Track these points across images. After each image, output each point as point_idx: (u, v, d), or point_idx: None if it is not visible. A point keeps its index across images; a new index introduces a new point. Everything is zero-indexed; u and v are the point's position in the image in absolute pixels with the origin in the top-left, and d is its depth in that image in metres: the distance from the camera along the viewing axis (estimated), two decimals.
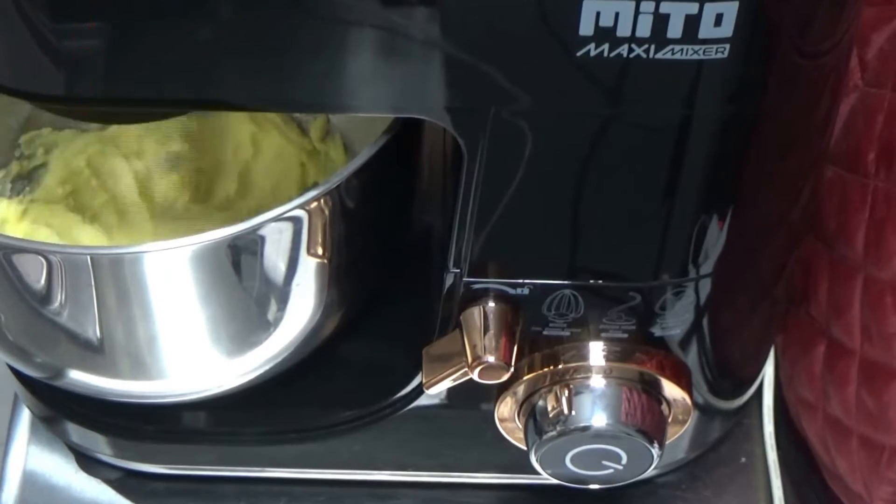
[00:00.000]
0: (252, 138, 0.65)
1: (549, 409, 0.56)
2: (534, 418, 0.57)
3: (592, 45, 0.43)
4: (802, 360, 0.65)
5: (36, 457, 0.69)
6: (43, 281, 0.51)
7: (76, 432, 0.64)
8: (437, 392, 0.57)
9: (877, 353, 0.59)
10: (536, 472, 0.58)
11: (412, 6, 0.42)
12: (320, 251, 0.53)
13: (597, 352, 0.55)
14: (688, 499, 0.68)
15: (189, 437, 0.64)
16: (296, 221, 0.51)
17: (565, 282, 0.53)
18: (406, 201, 0.61)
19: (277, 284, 0.53)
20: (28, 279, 0.51)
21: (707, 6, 0.41)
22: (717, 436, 0.65)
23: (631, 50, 0.43)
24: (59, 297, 0.52)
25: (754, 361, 0.63)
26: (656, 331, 0.55)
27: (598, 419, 0.55)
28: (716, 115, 0.46)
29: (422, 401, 0.60)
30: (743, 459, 0.69)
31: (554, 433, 0.56)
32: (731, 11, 0.42)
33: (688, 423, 0.59)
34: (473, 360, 0.54)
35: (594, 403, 0.55)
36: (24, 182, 0.65)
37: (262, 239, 0.51)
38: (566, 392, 0.56)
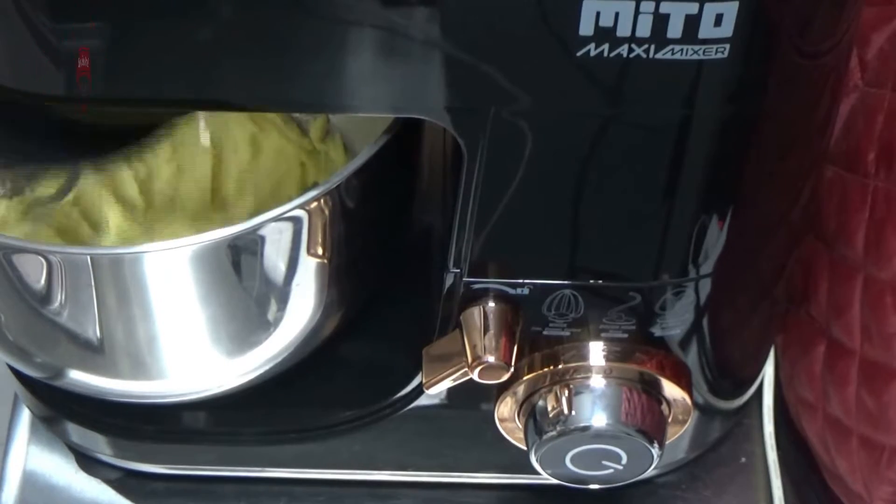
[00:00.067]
0: (252, 138, 0.65)
1: (549, 409, 0.56)
2: (534, 418, 0.57)
3: (592, 45, 0.43)
4: (802, 360, 0.65)
5: (36, 457, 0.69)
6: (43, 281, 0.51)
7: (76, 432, 0.64)
8: (437, 392, 0.57)
9: (877, 353, 0.59)
10: (536, 472, 0.58)
11: (412, 6, 0.42)
12: (320, 251, 0.53)
13: (597, 352, 0.55)
14: (688, 499, 0.68)
15: (189, 437, 0.64)
16: (296, 221, 0.51)
17: (565, 282, 0.53)
18: (406, 201, 0.61)
19: (277, 284, 0.53)
20: (28, 279, 0.51)
21: (707, 6, 0.41)
22: (717, 436, 0.65)
23: (631, 50, 0.43)
24: (59, 297, 0.52)
25: (754, 361, 0.63)
26: (656, 331, 0.55)
27: (598, 419, 0.55)
28: (716, 115, 0.46)
29: (422, 401, 0.60)
30: (743, 459, 0.69)
31: (554, 433, 0.56)
32: (731, 11, 0.42)
33: (688, 423, 0.59)
34: (473, 360, 0.54)
35: (594, 403, 0.55)
36: (24, 182, 0.65)
37: (262, 239, 0.51)
38: (566, 392, 0.56)
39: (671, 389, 0.56)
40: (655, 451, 0.56)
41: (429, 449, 0.64)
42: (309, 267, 0.54)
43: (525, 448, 0.58)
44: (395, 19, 0.42)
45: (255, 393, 0.59)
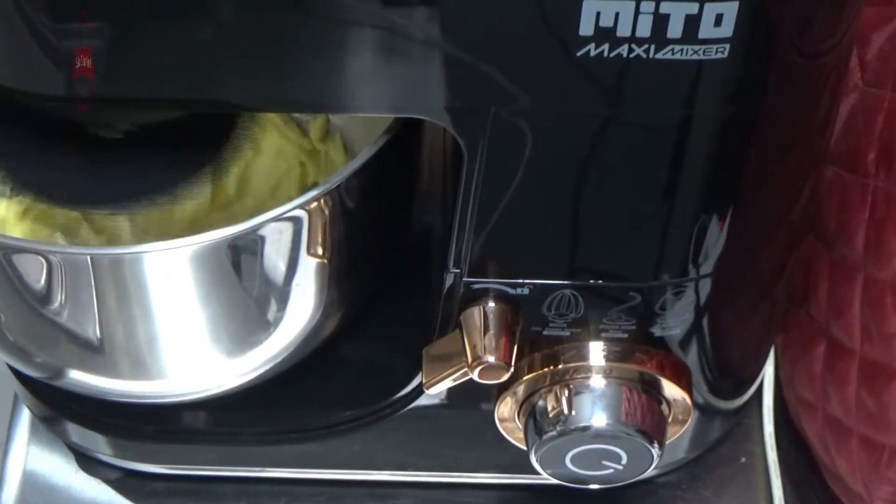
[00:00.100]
0: (252, 138, 0.65)
1: (549, 409, 0.56)
2: (534, 418, 0.57)
3: (592, 45, 0.43)
4: (802, 360, 0.65)
5: (36, 457, 0.69)
6: (43, 281, 0.51)
7: (76, 432, 0.64)
8: (437, 392, 0.57)
9: (877, 353, 0.59)
10: (536, 472, 0.58)
11: (412, 6, 0.42)
12: (320, 251, 0.53)
13: (597, 352, 0.55)
14: (688, 499, 0.68)
15: (189, 437, 0.64)
16: (296, 221, 0.51)
17: (565, 282, 0.53)
18: (406, 201, 0.61)
19: (277, 284, 0.53)
20: (28, 279, 0.51)
21: (707, 6, 0.41)
22: (717, 436, 0.65)
23: (631, 50, 0.43)
24: (59, 297, 0.52)
25: (754, 361, 0.63)
26: (656, 331, 0.55)
27: (598, 419, 0.55)
28: (716, 115, 0.46)
29: (422, 401, 0.60)
30: (743, 459, 0.69)
31: (554, 433, 0.56)
32: (731, 11, 0.42)
33: (688, 423, 0.59)
34: (473, 360, 0.54)
35: (594, 403, 0.55)
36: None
37: (262, 239, 0.51)
38: (566, 392, 0.56)
39: (671, 389, 0.56)
40: (655, 451, 0.56)
41: (429, 449, 0.64)
42: (309, 267, 0.54)
43: (525, 448, 0.58)
44: (395, 19, 0.42)
45: (255, 393, 0.59)
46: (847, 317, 0.60)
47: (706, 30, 0.42)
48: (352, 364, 0.63)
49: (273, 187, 0.63)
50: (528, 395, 0.57)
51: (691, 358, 0.57)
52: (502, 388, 0.57)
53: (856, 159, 0.59)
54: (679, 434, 0.59)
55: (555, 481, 0.59)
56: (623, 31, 0.42)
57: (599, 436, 0.56)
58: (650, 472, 0.59)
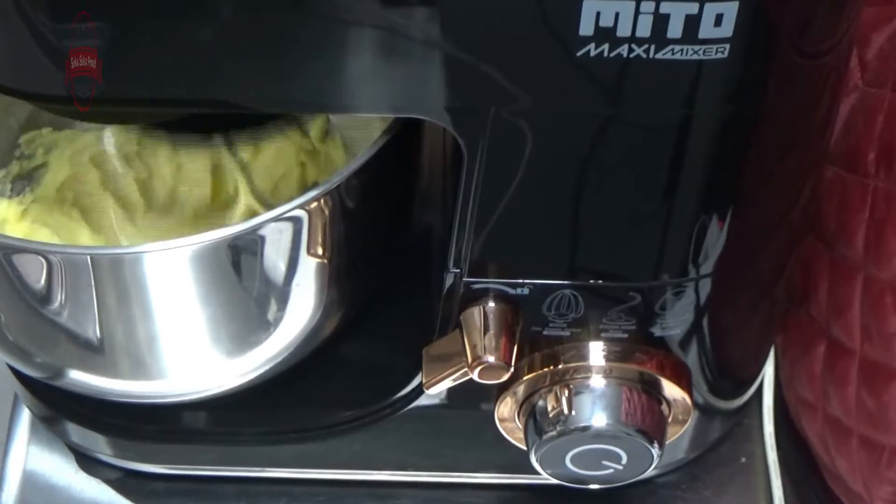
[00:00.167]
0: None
1: (549, 409, 0.56)
2: (534, 418, 0.57)
3: (592, 45, 0.43)
4: (802, 360, 0.65)
5: (36, 457, 0.69)
6: (43, 281, 0.51)
7: (76, 432, 0.64)
8: (437, 392, 0.57)
9: (877, 353, 0.59)
10: (536, 472, 0.58)
11: (412, 6, 0.42)
12: (320, 251, 0.53)
13: (597, 352, 0.55)
14: (688, 499, 0.68)
15: (189, 437, 0.64)
16: (296, 221, 0.51)
17: (565, 282, 0.53)
18: (406, 201, 0.61)
19: (277, 284, 0.53)
20: (28, 279, 0.51)
21: (707, 6, 0.41)
22: (717, 436, 0.65)
23: (631, 50, 0.43)
24: (59, 297, 0.52)
25: (754, 361, 0.63)
26: (656, 331, 0.55)
27: (598, 419, 0.55)
28: (716, 115, 0.46)
29: (422, 401, 0.60)
30: (743, 459, 0.69)
31: (554, 433, 0.56)
32: (731, 11, 0.42)
33: (688, 423, 0.59)
34: (473, 360, 0.54)
35: (594, 403, 0.55)
36: (24, 182, 0.65)
37: (262, 239, 0.51)
38: (566, 392, 0.56)
39: (671, 389, 0.56)
40: (655, 451, 0.56)
41: (429, 449, 0.64)
42: (309, 267, 0.54)
43: (525, 448, 0.58)
44: (395, 19, 0.42)
45: (255, 393, 0.59)
46: (847, 317, 0.60)
47: (706, 30, 0.42)
48: (352, 364, 0.63)
49: (273, 187, 0.64)
50: (528, 395, 0.57)
51: (691, 358, 0.57)
52: (502, 388, 0.57)
53: (856, 159, 0.59)
54: (679, 434, 0.59)
55: (555, 481, 0.59)
56: (623, 31, 0.42)
57: (599, 436, 0.56)
58: (650, 472, 0.59)
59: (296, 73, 0.44)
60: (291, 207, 0.50)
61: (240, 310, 0.54)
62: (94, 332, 0.53)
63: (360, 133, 0.64)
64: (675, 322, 0.55)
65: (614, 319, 0.54)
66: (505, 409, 0.58)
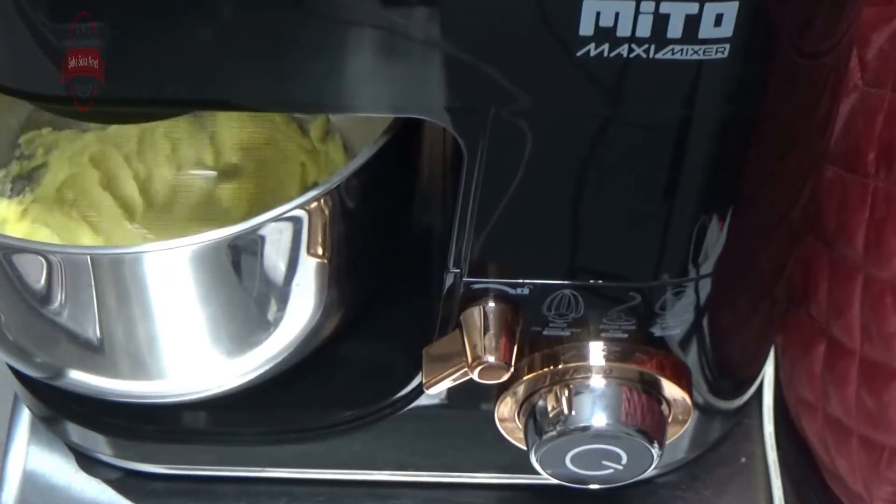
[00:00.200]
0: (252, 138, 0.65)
1: (549, 409, 0.56)
2: (534, 418, 0.57)
3: (592, 45, 0.43)
4: (802, 360, 0.65)
5: (36, 457, 0.69)
6: (43, 281, 0.51)
7: (76, 432, 0.64)
8: (437, 392, 0.57)
9: (877, 353, 0.59)
10: (536, 472, 0.58)
11: (412, 6, 0.42)
12: (320, 251, 0.53)
13: (597, 352, 0.55)
14: (688, 499, 0.68)
15: (189, 437, 0.64)
16: (296, 221, 0.51)
17: (565, 282, 0.53)
18: (406, 201, 0.61)
19: (277, 284, 0.53)
20: (28, 279, 0.51)
21: (707, 6, 0.41)
22: (717, 436, 0.65)
23: (631, 50, 0.43)
24: (59, 297, 0.52)
25: (754, 361, 0.63)
26: (656, 331, 0.55)
27: (598, 419, 0.55)
28: (716, 115, 0.46)
29: (422, 401, 0.60)
30: (743, 459, 0.69)
31: (554, 433, 0.56)
32: (731, 11, 0.42)
33: (688, 423, 0.59)
34: (473, 360, 0.54)
35: (594, 403, 0.55)
36: (24, 182, 0.65)
37: (262, 239, 0.51)
38: (566, 392, 0.56)
39: (671, 389, 0.56)
40: (655, 451, 0.56)
41: (429, 449, 0.64)
42: (309, 267, 0.54)
43: (525, 448, 0.58)
44: (395, 19, 0.42)
45: (255, 393, 0.59)
46: (847, 317, 0.60)
47: (706, 30, 0.42)
48: (352, 364, 0.63)
49: (273, 187, 0.64)
50: (528, 395, 0.57)
51: (691, 358, 0.57)
52: (502, 388, 0.57)
53: (856, 159, 0.59)
54: (679, 434, 0.59)
55: (555, 481, 0.59)
56: (623, 31, 0.42)
57: (599, 436, 0.56)
58: (650, 472, 0.59)
59: (296, 73, 0.44)
60: (291, 207, 0.50)
61: (240, 310, 0.54)
62: (94, 332, 0.53)
63: (360, 133, 0.64)
64: (675, 322, 0.55)
65: (614, 319, 0.54)
66: (505, 409, 0.58)
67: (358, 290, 0.59)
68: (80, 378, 0.57)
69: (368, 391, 0.62)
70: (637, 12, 0.41)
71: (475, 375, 0.54)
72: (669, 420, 0.58)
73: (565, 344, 0.56)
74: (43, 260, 0.50)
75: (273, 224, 0.50)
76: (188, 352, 0.56)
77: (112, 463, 0.67)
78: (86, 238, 0.61)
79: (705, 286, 0.53)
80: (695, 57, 0.43)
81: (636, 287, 0.53)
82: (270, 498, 0.67)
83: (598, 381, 0.56)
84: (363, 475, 0.66)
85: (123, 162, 0.64)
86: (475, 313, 0.54)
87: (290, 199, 0.50)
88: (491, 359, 0.53)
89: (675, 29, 0.42)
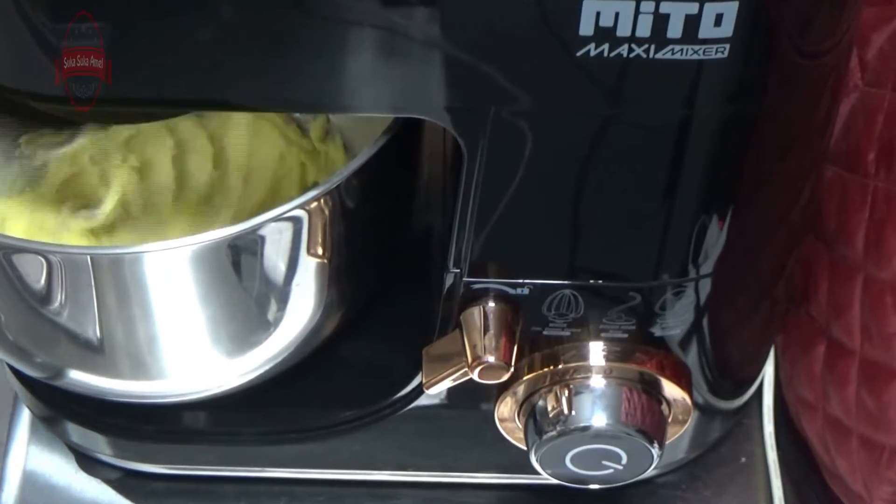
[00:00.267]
0: (252, 138, 0.65)
1: (549, 409, 0.56)
2: (534, 418, 0.57)
3: (592, 45, 0.43)
4: (802, 360, 0.65)
5: (36, 457, 0.69)
6: (43, 281, 0.51)
7: (76, 432, 0.64)
8: (437, 392, 0.57)
9: (877, 353, 0.59)
10: (536, 472, 0.58)
11: (412, 6, 0.42)
12: (320, 251, 0.53)
13: (597, 352, 0.55)
14: (688, 499, 0.68)
15: (189, 437, 0.64)
16: (296, 221, 0.51)
17: (565, 282, 0.53)
18: (406, 201, 0.61)
19: (277, 284, 0.53)
20: (28, 279, 0.51)
21: (707, 6, 0.41)
22: (717, 436, 0.65)
23: (631, 50, 0.43)
24: (59, 297, 0.52)
25: (754, 361, 0.63)
26: (656, 331, 0.55)
27: (598, 419, 0.55)
28: (716, 115, 0.46)
29: (422, 401, 0.60)
30: (743, 459, 0.69)
31: (554, 433, 0.56)
32: (731, 11, 0.42)
33: (688, 423, 0.59)
34: (473, 360, 0.54)
35: (594, 403, 0.55)
36: (24, 182, 0.65)
37: (262, 239, 0.51)
38: (566, 392, 0.56)
39: (671, 389, 0.56)
40: (655, 451, 0.56)
41: (429, 449, 0.64)
42: (309, 267, 0.54)
43: (525, 448, 0.58)
44: (395, 19, 0.42)
45: (255, 393, 0.59)
46: (847, 317, 0.60)
47: (706, 30, 0.42)
48: (352, 364, 0.63)
49: (273, 187, 0.64)
50: (528, 395, 0.57)
51: (691, 358, 0.57)
52: (502, 388, 0.57)
53: (856, 159, 0.59)
54: (679, 434, 0.59)
55: (555, 481, 0.59)
56: (623, 31, 0.42)
57: (599, 436, 0.56)
58: (650, 472, 0.59)
59: (296, 73, 0.44)
60: (291, 207, 0.50)
61: (240, 310, 0.54)
62: (94, 332, 0.53)
63: (360, 133, 0.64)
64: (675, 322, 0.55)
65: (614, 319, 0.54)
66: (505, 409, 0.58)
67: (358, 290, 0.59)
68: (80, 378, 0.57)
69: (368, 391, 0.62)
70: (637, 12, 0.41)
71: (475, 375, 0.54)
72: (669, 420, 0.58)
73: (565, 344, 0.56)
74: (43, 260, 0.50)
75: (273, 224, 0.50)
76: (188, 352, 0.56)
77: (112, 463, 0.67)
78: (86, 238, 0.61)
79: (705, 286, 0.53)
80: (695, 57, 0.43)
81: (636, 287, 0.53)
82: (270, 498, 0.67)
83: (598, 381, 0.56)
84: (363, 475, 0.66)
85: (123, 162, 0.64)
86: (475, 313, 0.54)
87: (290, 199, 0.50)
88: (491, 359, 0.53)
89: (675, 29, 0.42)
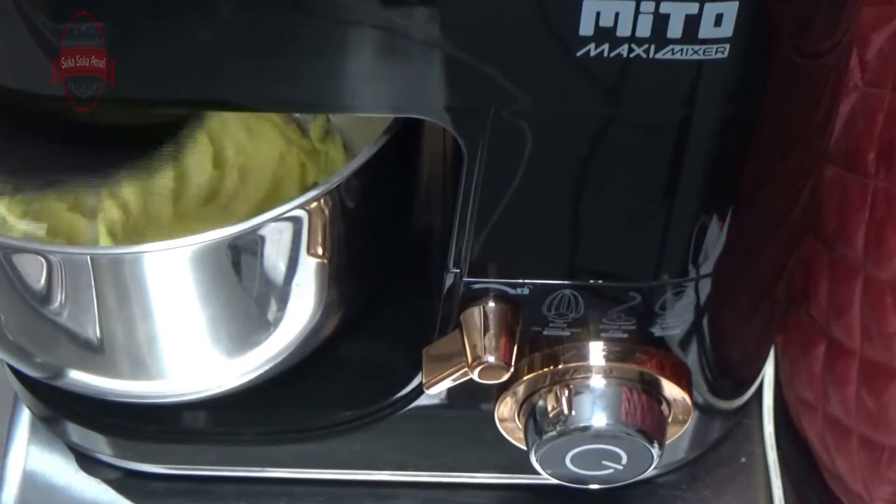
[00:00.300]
0: (251, 138, 0.65)
1: (549, 409, 0.56)
2: (534, 418, 0.57)
3: (592, 45, 0.43)
4: (802, 360, 0.65)
5: (36, 457, 0.69)
6: (43, 281, 0.51)
7: (76, 432, 0.64)
8: (437, 392, 0.57)
9: (877, 353, 0.59)
10: (536, 472, 0.58)
11: (412, 6, 0.42)
12: (320, 251, 0.53)
13: (597, 352, 0.55)
14: (688, 499, 0.68)
15: (189, 437, 0.64)
16: (296, 221, 0.51)
17: (565, 282, 0.53)
18: (406, 201, 0.61)
19: (277, 284, 0.53)
20: (28, 279, 0.51)
21: (707, 6, 0.41)
22: (717, 436, 0.65)
23: (631, 50, 0.43)
24: (59, 297, 0.52)
25: (754, 361, 0.63)
26: (656, 331, 0.55)
27: (598, 419, 0.55)
28: (716, 115, 0.46)
29: (422, 401, 0.60)
30: (743, 459, 0.69)
31: (554, 433, 0.56)
32: (731, 11, 0.42)
33: (688, 423, 0.59)
34: (473, 360, 0.54)
35: (594, 403, 0.55)
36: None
37: (262, 239, 0.51)
38: (566, 392, 0.56)
39: (671, 389, 0.56)
40: (655, 451, 0.56)
41: (429, 449, 0.64)
42: (309, 267, 0.54)
43: (525, 448, 0.58)
44: (395, 19, 0.42)
45: (255, 393, 0.59)
46: (847, 317, 0.60)
47: (706, 30, 0.42)
48: (352, 364, 0.63)
49: (273, 187, 0.64)
50: (528, 395, 0.57)
51: (691, 358, 0.57)
52: (502, 388, 0.57)
53: (856, 159, 0.59)
54: (679, 434, 0.59)
55: (555, 481, 0.59)
56: (623, 31, 0.42)
57: (599, 436, 0.56)
58: (650, 472, 0.59)
59: (296, 73, 0.44)
60: (291, 207, 0.50)
61: (240, 310, 0.54)
62: (94, 332, 0.53)
63: (360, 133, 0.64)
64: (675, 322, 0.55)
65: (614, 319, 0.54)
66: (505, 409, 0.58)
67: (358, 290, 0.59)
68: (80, 378, 0.57)
69: (368, 391, 0.62)
70: (637, 12, 0.41)
71: (475, 375, 0.54)
72: (669, 420, 0.58)
73: (565, 344, 0.56)
74: (43, 260, 0.50)
75: (273, 224, 0.50)
76: (188, 352, 0.56)
77: (112, 463, 0.67)
78: (86, 238, 0.61)
79: (705, 286, 0.53)
80: (695, 57, 0.43)
81: (636, 287, 0.53)
82: (270, 498, 0.67)
83: (598, 381, 0.56)
84: (363, 475, 0.66)
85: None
86: (475, 313, 0.54)
87: (290, 199, 0.50)
88: (491, 359, 0.53)
89: (675, 29, 0.42)
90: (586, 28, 0.42)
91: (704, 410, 0.61)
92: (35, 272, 0.51)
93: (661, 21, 0.42)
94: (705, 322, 0.55)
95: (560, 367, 0.56)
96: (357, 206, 0.53)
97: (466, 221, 0.50)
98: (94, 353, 0.55)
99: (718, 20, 0.42)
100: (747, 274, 0.55)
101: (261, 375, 0.58)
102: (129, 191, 0.63)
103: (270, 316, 0.55)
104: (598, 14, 0.42)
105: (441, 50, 0.43)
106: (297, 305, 0.55)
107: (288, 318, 0.55)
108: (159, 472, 0.67)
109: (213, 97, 0.46)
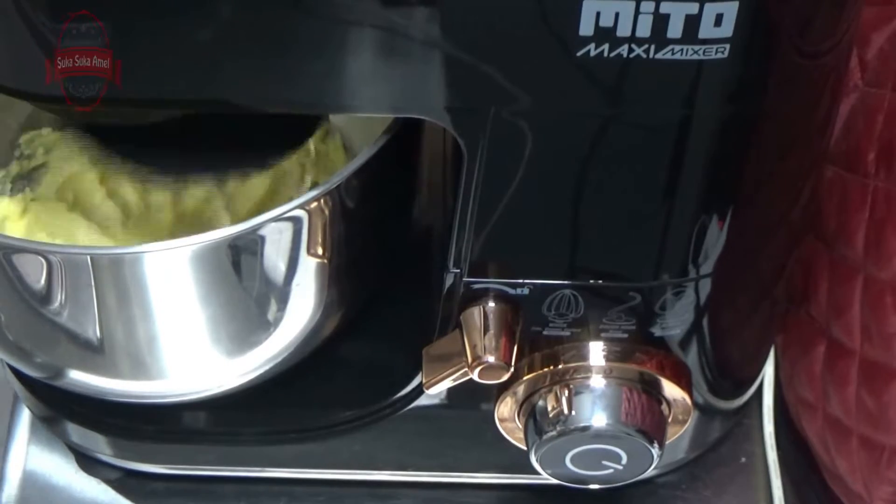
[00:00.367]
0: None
1: (549, 409, 0.56)
2: (534, 418, 0.57)
3: (592, 46, 0.43)
4: (802, 360, 0.65)
5: (36, 457, 0.69)
6: (43, 281, 0.51)
7: (76, 432, 0.64)
8: (437, 392, 0.57)
9: (877, 353, 0.59)
10: (536, 472, 0.58)
11: (412, 6, 0.42)
12: (320, 251, 0.53)
13: (597, 352, 0.55)
14: (688, 499, 0.68)
15: (189, 437, 0.64)
16: (296, 221, 0.51)
17: (565, 282, 0.53)
18: (406, 201, 0.61)
19: (277, 284, 0.53)
20: (28, 279, 0.51)
21: (707, 6, 0.41)
22: (717, 436, 0.65)
23: (631, 50, 0.43)
24: (59, 297, 0.52)
25: (754, 361, 0.63)
26: (656, 331, 0.55)
27: (598, 419, 0.55)
28: (716, 115, 0.46)
29: (422, 401, 0.60)
30: (743, 459, 0.69)
31: (554, 433, 0.56)
32: (731, 11, 0.42)
33: (688, 423, 0.59)
34: (473, 360, 0.54)
35: (594, 403, 0.55)
36: (24, 182, 0.65)
37: (262, 239, 0.51)
38: (566, 392, 0.56)
39: (671, 389, 0.56)
40: (655, 451, 0.56)
41: (429, 449, 0.64)
42: (309, 267, 0.54)
43: (525, 448, 0.58)
44: (395, 19, 0.42)
45: (255, 393, 0.59)
46: (847, 317, 0.60)
47: (706, 30, 0.42)
48: (352, 364, 0.63)
49: (273, 187, 0.64)
50: (528, 395, 0.57)
51: (691, 358, 0.57)
52: (502, 388, 0.57)
53: (856, 159, 0.59)
54: (679, 434, 0.59)
55: (555, 481, 0.59)
56: (623, 31, 0.42)
57: (599, 436, 0.56)
58: (650, 472, 0.59)
59: (296, 73, 0.44)
60: (291, 207, 0.50)
61: (240, 310, 0.54)
62: (94, 332, 0.53)
63: (360, 133, 0.64)
64: (675, 322, 0.55)
65: (614, 319, 0.54)
66: (505, 409, 0.58)
67: (358, 290, 0.59)
68: (80, 378, 0.57)
69: (368, 391, 0.62)
70: (637, 12, 0.41)
71: (475, 375, 0.54)
72: (669, 420, 0.58)
73: (565, 344, 0.56)
74: (43, 260, 0.50)
75: (273, 224, 0.50)
76: (188, 352, 0.56)
77: (112, 463, 0.67)
78: (86, 238, 0.61)
79: (705, 286, 0.53)
80: (695, 57, 0.43)
81: (636, 287, 0.53)
82: (270, 498, 0.67)
83: (598, 381, 0.56)
84: (363, 475, 0.66)
85: (123, 161, 0.64)
86: (475, 313, 0.54)
87: (290, 199, 0.50)
88: (491, 359, 0.53)
89: (675, 29, 0.42)
90: (586, 28, 0.42)
91: (704, 410, 0.61)
92: (35, 272, 0.51)
93: (661, 21, 0.42)
94: (705, 322, 0.55)
95: (560, 367, 0.56)
96: (357, 207, 0.53)
97: (466, 221, 0.50)
98: (94, 354, 0.55)
99: (718, 20, 0.42)
100: (747, 274, 0.55)
101: (261, 375, 0.58)
102: (129, 191, 0.63)
103: (270, 316, 0.55)
104: (598, 14, 0.42)
105: (441, 50, 0.43)
106: (297, 305, 0.55)
107: (288, 318, 0.55)
108: (159, 472, 0.67)
109: (213, 97, 0.46)
